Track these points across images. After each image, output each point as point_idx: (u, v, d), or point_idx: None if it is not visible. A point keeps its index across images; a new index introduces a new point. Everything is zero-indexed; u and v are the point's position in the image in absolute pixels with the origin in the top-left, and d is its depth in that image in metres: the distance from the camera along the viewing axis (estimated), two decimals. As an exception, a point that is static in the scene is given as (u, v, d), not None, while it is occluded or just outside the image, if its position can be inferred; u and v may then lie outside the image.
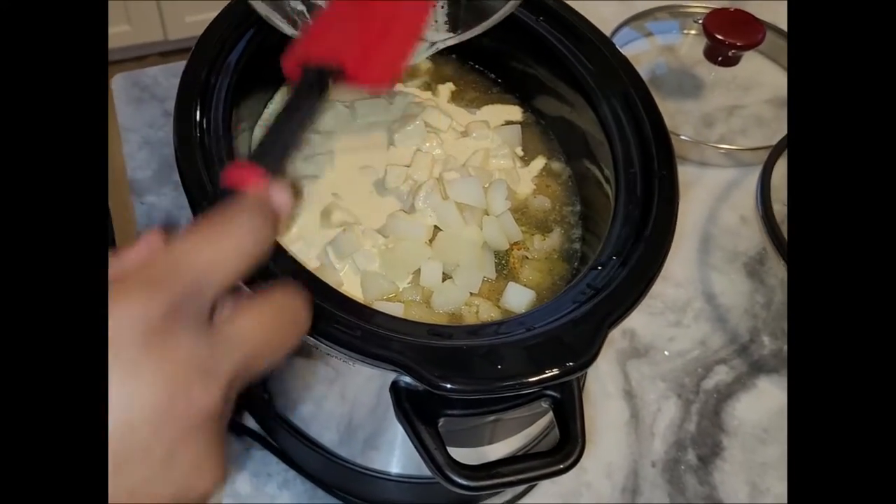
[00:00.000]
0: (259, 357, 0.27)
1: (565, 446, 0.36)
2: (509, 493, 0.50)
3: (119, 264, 0.26)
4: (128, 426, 0.22)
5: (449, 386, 0.33)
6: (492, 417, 0.38)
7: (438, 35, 0.46)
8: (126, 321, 0.23)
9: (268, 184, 0.30)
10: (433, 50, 0.46)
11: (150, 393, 0.23)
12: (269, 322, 0.27)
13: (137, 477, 0.23)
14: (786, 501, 0.51)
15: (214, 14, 0.45)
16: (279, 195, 0.29)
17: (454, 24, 0.46)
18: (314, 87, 0.36)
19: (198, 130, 0.40)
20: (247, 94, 0.45)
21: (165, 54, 1.66)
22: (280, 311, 0.28)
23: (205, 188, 0.38)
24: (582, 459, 0.49)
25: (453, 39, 0.45)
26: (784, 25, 0.72)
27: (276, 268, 0.36)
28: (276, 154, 0.33)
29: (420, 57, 0.46)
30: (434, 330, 0.36)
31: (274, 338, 0.27)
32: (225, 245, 0.26)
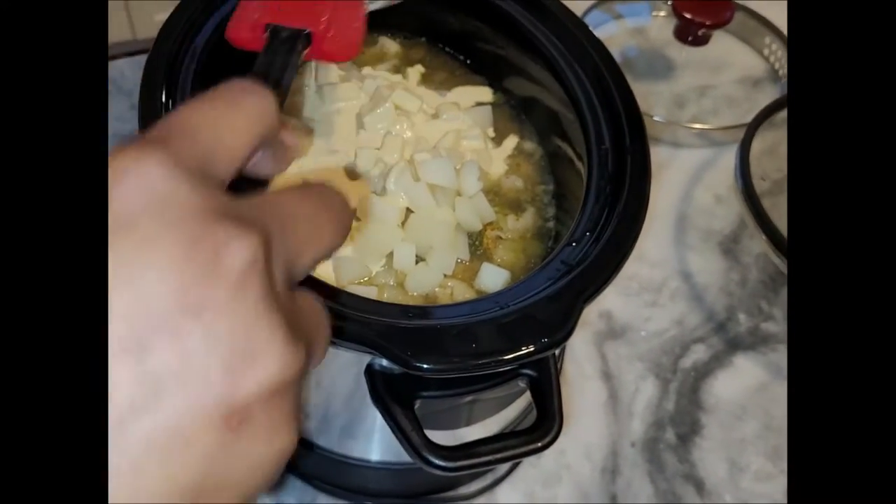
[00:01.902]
0: (297, 235, 0.20)
1: (543, 424, 0.36)
2: (489, 478, 0.49)
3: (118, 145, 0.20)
4: (136, 300, 0.17)
5: (423, 365, 0.33)
6: (468, 398, 0.38)
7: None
8: (117, 184, 0.18)
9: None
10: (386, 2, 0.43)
11: (161, 254, 0.17)
12: (309, 202, 0.21)
13: (164, 364, 0.17)
14: (764, 476, 0.51)
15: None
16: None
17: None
18: (288, 48, 0.34)
19: (163, 114, 0.40)
20: (214, 78, 0.44)
21: (133, 54, 1.63)
22: (320, 195, 0.22)
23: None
24: (561, 442, 0.49)
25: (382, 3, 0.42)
26: (753, 5, 0.72)
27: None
28: (276, 79, 0.30)
29: (372, 7, 0.43)
30: (407, 310, 0.35)
31: (316, 220, 0.21)
32: (229, 106, 0.21)
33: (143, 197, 0.18)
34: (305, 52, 0.36)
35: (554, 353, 0.36)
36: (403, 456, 0.36)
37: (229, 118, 0.21)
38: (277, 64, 0.32)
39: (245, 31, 0.36)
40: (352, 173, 0.44)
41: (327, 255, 0.22)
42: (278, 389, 0.18)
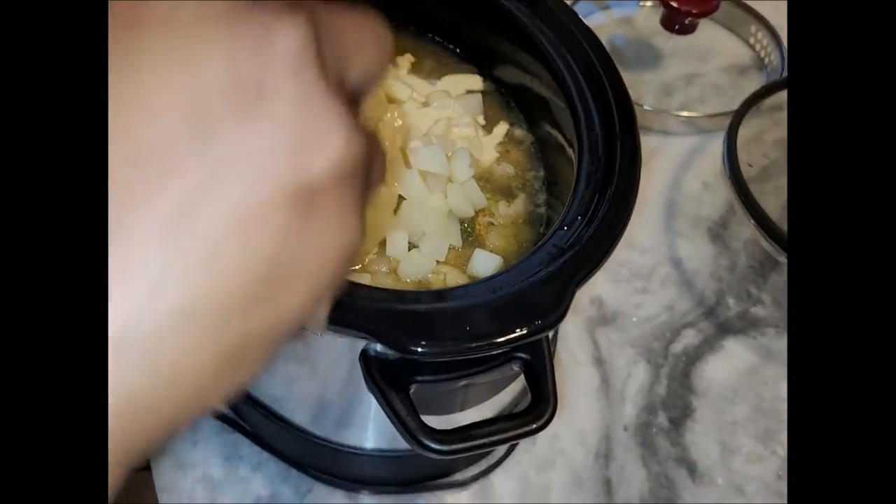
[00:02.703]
0: (348, 39, 0.18)
1: (537, 407, 0.36)
2: (484, 464, 0.50)
3: None
4: (191, 88, 0.16)
5: (418, 349, 0.33)
6: (463, 382, 0.38)
7: None
8: None
9: None
10: None
11: (210, 39, 0.16)
12: (351, 19, 0.19)
13: (229, 146, 0.16)
14: (756, 458, 0.52)
15: None
16: None
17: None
18: None
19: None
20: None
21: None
22: (361, 18, 0.20)
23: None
24: (555, 427, 0.50)
25: None
26: (739, -6, 0.72)
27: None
28: None
29: None
30: (400, 295, 0.36)
31: (360, 33, 0.19)
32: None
33: None
34: None
35: (547, 336, 0.37)
36: (399, 443, 0.36)
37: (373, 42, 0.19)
38: None
39: None
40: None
41: (373, 76, 0.20)
42: (345, 172, 0.17)
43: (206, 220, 0.16)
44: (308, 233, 0.17)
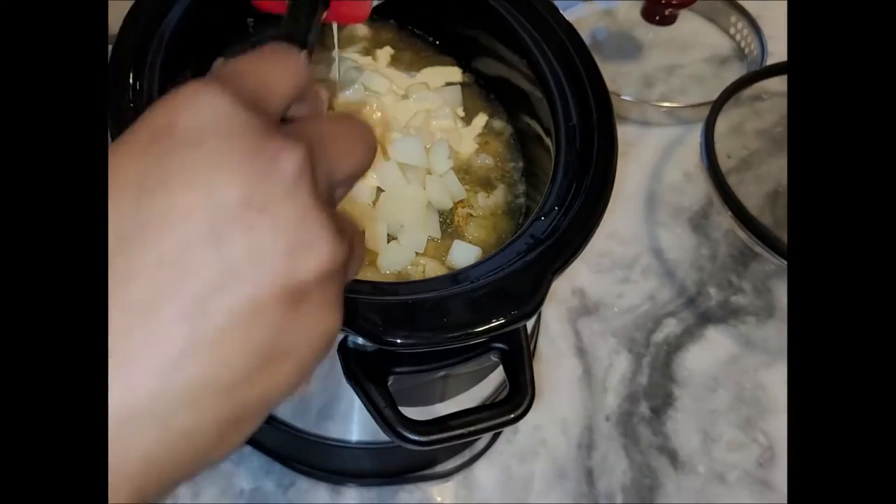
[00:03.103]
0: (334, 153, 0.23)
1: (515, 396, 0.36)
2: (466, 454, 0.50)
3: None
4: (210, 200, 0.19)
5: (395, 340, 0.33)
6: (441, 373, 0.38)
7: None
8: (186, 107, 0.20)
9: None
10: None
11: (227, 162, 0.20)
12: (338, 128, 0.24)
13: (237, 253, 0.20)
14: (736, 446, 0.52)
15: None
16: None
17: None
18: (309, 9, 0.34)
19: (132, 103, 0.39)
20: (182, 64, 0.44)
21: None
22: (347, 123, 0.25)
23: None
24: (537, 417, 0.50)
25: None
26: (719, -15, 0.72)
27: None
28: (303, 33, 0.31)
29: None
30: (378, 286, 0.36)
31: (348, 143, 0.24)
32: (274, 60, 0.24)
33: (208, 116, 0.20)
34: (325, 14, 0.36)
35: (525, 326, 0.37)
36: (381, 435, 0.36)
37: (271, 70, 0.24)
38: (301, 28, 0.33)
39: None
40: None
41: (359, 174, 0.25)
42: (329, 274, 0.21)
43: (218, 311, 0.19)
44: (297, 323, 0.21)
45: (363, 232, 0.25)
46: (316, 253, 0.21)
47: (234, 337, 0.20)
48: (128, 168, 0.20)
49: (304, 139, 0.21)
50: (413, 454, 0.48)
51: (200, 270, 0.19)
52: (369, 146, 0.25)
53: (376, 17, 0.53)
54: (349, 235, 0.22)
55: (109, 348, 0.19)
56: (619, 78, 0.69)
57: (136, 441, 0.19)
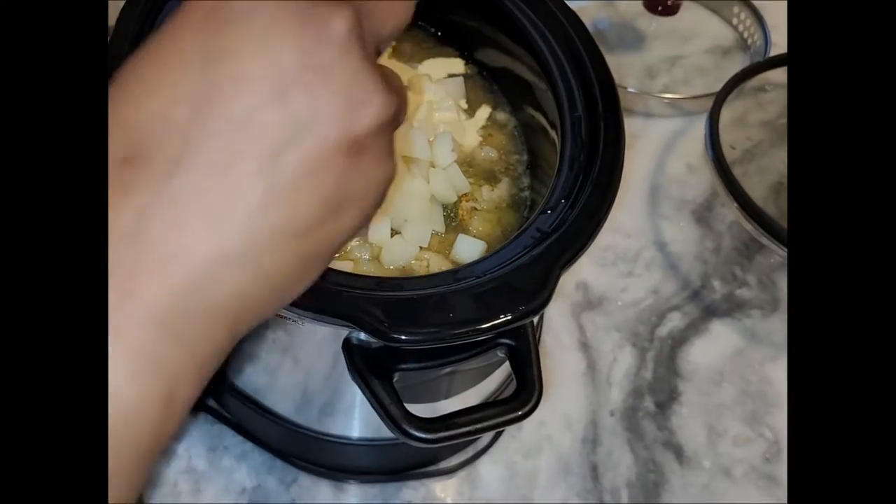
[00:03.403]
0: (381, 10, 0.24)
1: (522, 393, 0.35)
2: (470, 451, 0.49)
3: None
4: (271, 64, 0.21)
5: (401, 337, 0.33)
6: (447, 370, 0.38)
7: None
8: None
9: None
10: None
11: (282, 26, 0.21)
12: None
13: (302, 109, 0.21)
14: (743, 441, 0.52)
15: None
16: None
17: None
18: None
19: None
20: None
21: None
22: None
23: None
24: (541, 413, 0.49)
25: None
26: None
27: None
28: None
29: None
30: (383, 282, 0.35)
31: (389, 3, 0.25)
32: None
33: None
34: None
35: (532, 322, 0.36)
36: (384, 432, 0.35)
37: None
38: None
39: None
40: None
41: (400, 30, 0.26)
42: (383, 126, 0.23)
43: (289, 165, 0.22)
44: (358, 171, 0.23)
45: (405, 86, 0.26)
46: (370, 107, 0.22)
47: (304, 187, 0.22)
48: (189, 42, 0.22)
49: (351, 3, 0.23)
50: (416, 451, 0.48)
51: (269, 129, 0.21)
52: (407, 6, 0.26)
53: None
54: (396, 88, 0.24)
55: (197, 205, 0.21)
56: (621, 69, 0.68)
57: (232, 281, 0.22)
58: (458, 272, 0.36)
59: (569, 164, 0.39)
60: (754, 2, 0.71)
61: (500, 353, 0.37)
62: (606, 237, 0.58)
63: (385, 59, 0.49)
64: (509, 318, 0.34)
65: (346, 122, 0.22)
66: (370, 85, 0.22)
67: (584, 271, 0.57)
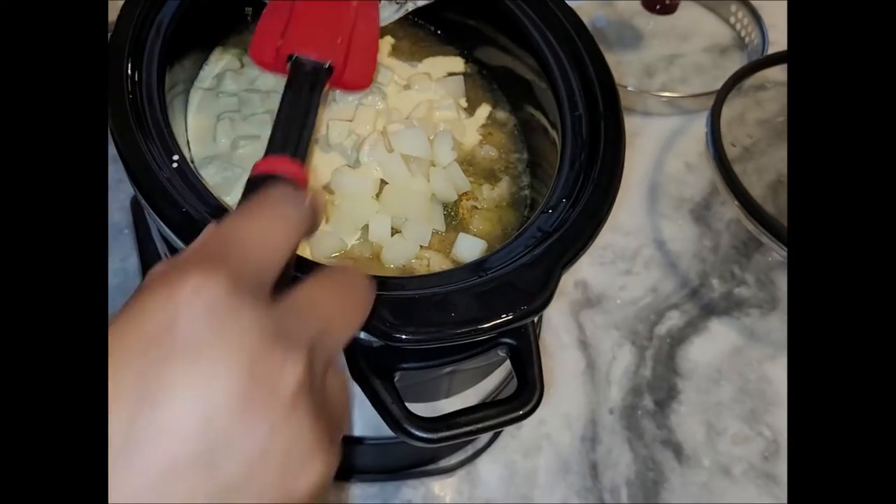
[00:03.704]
0: (332, 325, 0.24)
1: (524, 393, 0.35)
2: (469, 450, 0.49)
3: (176, 257, 0.23)
4: (206, 421, 0.19)
5: (403, 336, 0.33)
6: (448, 369, 0.38)
7: None
8: (185, 306, 0.20)
9: (298, 166, 0.31)
10: (402, 12, 0.45)
11: (225, 378, 0.20)
12: (336, 292, 0.25)
13: (230, 477, 0.20)
14: (742, 439, 0.52)
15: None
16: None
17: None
18: (311, 84, 0.37)
19: (130, 93, 0.38)
20: (180, 55, 0.43)
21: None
22: (343, 283, 0.26)
23: (142, 156, 0.36)
24: (540, 411, 0.49)
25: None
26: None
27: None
28: (296, 141, 0.34)
29: (389, 20, 0.46)
30: (384, 281, 0.35)
31: (344, 307, 0.25)
32: (273, 221, 0.24)
33: (206, 320, 0.20)
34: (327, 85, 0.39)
35: (533, 321, 0.36)
36: (384, 430, 0.35)
37: (275, 230, 0.24)
38: (302, 105, 0.35)
39: (269, 56, 0.40)
40: (324, 146, 0.43)
41: (356, 333, 0.26)
42: (322, 487, 0.22)
43: None
44: None
45: (349, 389, 0.26)
46: (310, 472, 0.21)
47: None
48: (125, 374, 0.20)
49: (304, 338, 0.22)
50: (415, 450, 0.48)
51: (193, 495, 0.19)
52: (366, 304, 0.26)
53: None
54: (337, 414, 0.23)
55: None
56: (619, 67, 0.68)
57: None
58: (459, 271, 0.36)
59: (569, 163, 0.39)
60: (752, 0, 0.71)
61: (501, 353, 0.37)
62: (605, 235, 0.58)
63: (385, 59, 0.49)
64: (511, 317, 0.34)
65: (281, 490, 0.21)
66: (311, 447, 0.21)
67: (584, 270, 0.57)
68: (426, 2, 0.46)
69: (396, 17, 0.46)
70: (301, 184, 0.32)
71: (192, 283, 0.21)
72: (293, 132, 0.35)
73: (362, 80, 0.43)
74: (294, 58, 0.39)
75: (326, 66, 0.39)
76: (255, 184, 0.31)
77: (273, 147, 0.34)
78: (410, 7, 0.46)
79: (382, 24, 0.45)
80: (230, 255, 0.22)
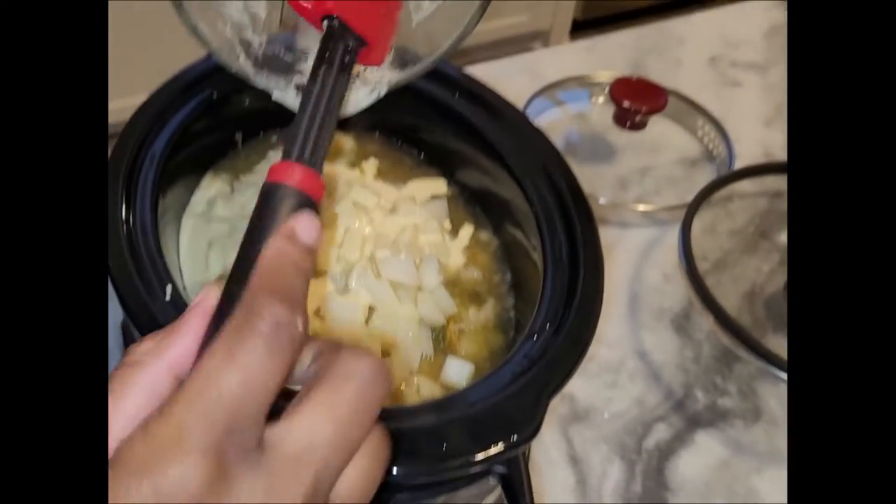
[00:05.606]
0: (334, 462, 0.23)
1: (516, 522, 0.35)
2: (461, 575, 0.48)
3: (145, 426, 0.22)
4: None
5: (395, 471, 0.33)
6: (441, 499, 0.37)
7: (387, 74, 0.42)
8: (173, 489, 0.20)
9: (315, 177, 0.28)
10: (374, 96, 0.42)
11: None
12: (335, 412, 0.23)
13: None
14: (734, 554, 0.52)
15: (138, 100, 0.44)
16: (308, 227, 0.26)
17: (402, 62, 0.44)
18: (342, 64, 0.33)
19: (124, 226, 0.39)
20: (173, 181, 0.44)
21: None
22: (348, 402, 0.23)
23: (136, 290, 0.36)
24: (533, 531, 0.48)
25: (403, 75, 0.41)
26: (684, 90, 0.76)
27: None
28: (314, 145, 0.30)
29: (360, 105, 0.43)
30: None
31: (347, 428, 0.23)
32: (263, 363, 0.22)
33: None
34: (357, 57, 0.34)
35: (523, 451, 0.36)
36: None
37: (264, 374, 0.22)
38: (333, 93, 0.31)
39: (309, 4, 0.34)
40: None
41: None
42: None
43: None
44: None
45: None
46: None
47: None
48: None
49: (303, 490, 0.22)
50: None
51: None
52: (373, 414, 0.25)
53: (361, 131, 0.54)
54: None
55: None
56: (594, 180, 0.71)
57: None
58: (448, 400, 0.37)
59: (552, 289, 0.41)
60: (716, 115, 0.75)
61: (493, 481, 0.37)
62: (590, 347, 0.59)
63: (371, 181, 0.51)
64: (502, 448, 0.34)
65: None
66: None
67: (571, 384, 0.57)
68: (400, 82, 0.42)
69: (368, 102, 0.42)
70: (315, 197, 0.29)
71: (177, 475, 0.20)
72: (313, 131, 0.30)
73: (377, 59, 0.38)
74: (334, 21, 0.34)
75: (355, 42, 0.34)
76: (269, 195, 0.28)
77: (291, 150, 0.30)
78: (383, 91, 0.42)
79: (354, 109, 0.42)
80: (210, 425, 0.21)
